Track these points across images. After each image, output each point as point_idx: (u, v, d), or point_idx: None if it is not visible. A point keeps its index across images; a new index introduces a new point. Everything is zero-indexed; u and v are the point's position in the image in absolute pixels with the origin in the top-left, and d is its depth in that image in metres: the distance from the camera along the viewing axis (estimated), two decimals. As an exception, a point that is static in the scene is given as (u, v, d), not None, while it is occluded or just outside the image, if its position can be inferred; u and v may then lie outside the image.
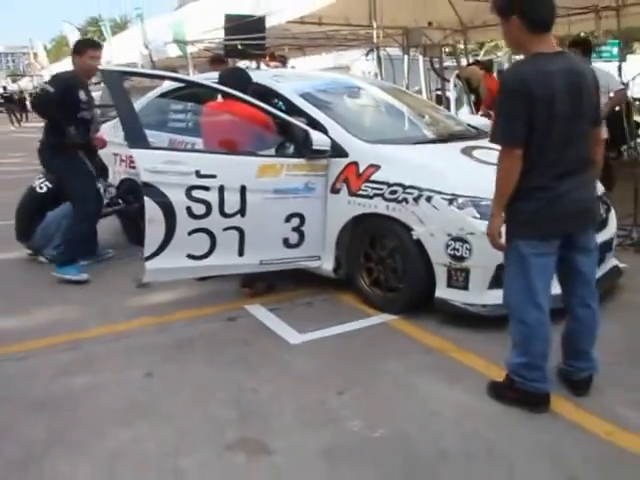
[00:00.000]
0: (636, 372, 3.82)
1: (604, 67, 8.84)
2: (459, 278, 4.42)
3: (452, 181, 4.45)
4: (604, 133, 3.55)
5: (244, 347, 4.33)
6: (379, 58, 10.75)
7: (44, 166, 6.19)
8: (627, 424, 3.24)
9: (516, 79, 3.12)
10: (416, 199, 4.50)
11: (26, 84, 58.20)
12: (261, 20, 9.81)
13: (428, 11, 11.63)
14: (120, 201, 6.87)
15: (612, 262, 5.23)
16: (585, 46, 7.38)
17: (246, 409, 3.53)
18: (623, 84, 7.66)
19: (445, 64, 11.78)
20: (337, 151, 4.94)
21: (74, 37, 35.96)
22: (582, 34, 14.50)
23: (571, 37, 14.29)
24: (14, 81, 72.32)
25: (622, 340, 4.29)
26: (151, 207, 4.52)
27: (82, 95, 5.76)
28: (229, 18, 9.80)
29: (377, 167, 4.76)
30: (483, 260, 4.27)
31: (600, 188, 5.05)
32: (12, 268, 6.35)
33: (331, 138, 4.95)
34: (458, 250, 4.36)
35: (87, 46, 5.81)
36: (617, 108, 9.21)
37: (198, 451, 3.15)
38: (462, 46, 14.45)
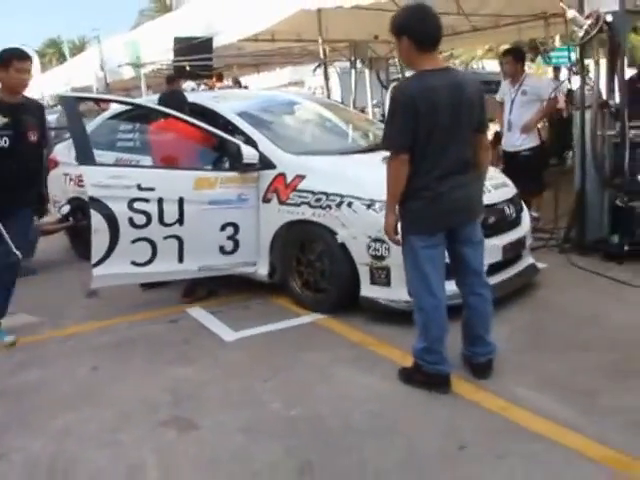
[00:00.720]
0: (537, 358, 4.31)
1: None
2: (381, 276, 4.96)
3: (370, 187, 4.98)
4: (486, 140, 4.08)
5: (183, 345, 4.85)
6: (326, 73, 11.31)
7: None
8: (521, 402, 3.71)
9: (404, 94, 3.69)
10: (338, 205, 5.05)
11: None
12: (208, 41, 10.40)
13: (375, 25, 12.22)
14: (70, 218, 7.37)
15: (528, 260, 5.80)
16: (516, 53, 8.10)
17: (179, 394, 4.04)
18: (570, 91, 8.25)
19: (394, 77, 12.31)
20: (266, 164, 5.48)
21: (33, 59, 36.41)
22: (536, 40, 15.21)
23: (518, 43, 15.03)
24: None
25: (528, 331, 4.82)
26: (97, 219, 5.05)
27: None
28: (178, 40, 10.38)
29: (303, 177, 5.30)
30: (401, 258, 4.81)
31: (511, 190, 5.67)
32: None
33: (260, 152, 5.49)
34: (378, 250, 4.90)
35: (13, 57, 4.85)
36: (565, 115, 9.89)
37: (135, 428, 3.65)
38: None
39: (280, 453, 3.34)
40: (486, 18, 12.15)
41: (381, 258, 4.90)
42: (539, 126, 8.07)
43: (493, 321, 4.13)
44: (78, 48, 57.30)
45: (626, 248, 6.18)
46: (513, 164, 7.82)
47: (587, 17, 6.06)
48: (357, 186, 5.04)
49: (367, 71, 11.73)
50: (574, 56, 6.75)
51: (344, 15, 11.13)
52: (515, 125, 7.74)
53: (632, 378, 3.94)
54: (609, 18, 5.96)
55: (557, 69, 15.34)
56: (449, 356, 3.95)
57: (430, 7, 3.77)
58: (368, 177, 5.15)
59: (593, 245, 6.53)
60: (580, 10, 6.24)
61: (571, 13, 6.16)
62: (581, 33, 6.10)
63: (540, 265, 6.07)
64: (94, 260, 5.10)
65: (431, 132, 3.60)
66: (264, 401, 3.92)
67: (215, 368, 4.43)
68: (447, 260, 4.00)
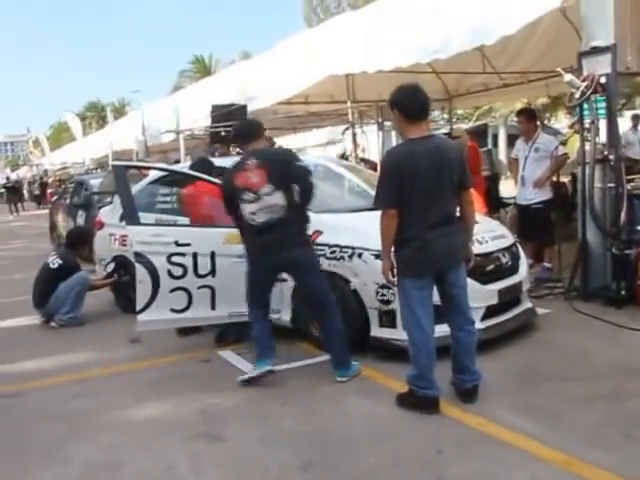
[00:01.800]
0: (520, 388, 5.17)
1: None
2: (388, 318, 5.89)
3: (378, 240, 5.91)
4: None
5: (214, 379, 5.84)
6: (354, 134, 12.40)
7: None
8: (498, 420, 4.58)
9: (391, 159, 4.73)
10: (350, 256, 6.02)
11: (24, 173, 61.01)
12: (243, 108, 11.61)
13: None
14: (114, 275, 8.50)
15: (527, 304, 6.68)
16: (528, 113, 9.17)
17: (208, 416, 5.03)
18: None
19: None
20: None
21: (76, 124, 38.57)
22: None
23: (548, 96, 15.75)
24: (13, 170, 75.37)
25: (519, 365, 5.68)
26: (141, 271, 6.13)
27: None
28: (215, 108, 11.64)
29: (321, 232, 6.26)
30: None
31: (508, 240, 6.58)
32: (28, 331, 8.17)
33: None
34: (385, 295, 5.83)
35: None
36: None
37: (171, 440, 4.65)
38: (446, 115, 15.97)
39: (288, 456, 4.28)
40: (515, 75, 13.15)
41: (388, 302, 5.83)
42: (554, 179, 8.86)
43: (490, 356, 5.01)
44: (118, 110, 59.89)
45: (623, 293, 6.99)
46: (526, 217, 8.78)
47: (583, 79, 7.00)
48: (366, 239, 5.97)
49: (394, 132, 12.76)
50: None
51: (373, 78, 12.28)
52: (528, 180, 8.68)
53: (599, 402, 4.79)
54: (603, 80, 6.90)
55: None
56: (440, 384, 4.84)
57: (418, 85, 4.81)
58: (376, 231, 6.09)
59: (596, 292, 7.35)
60: (579, 73, 7.16)
61: (568, 77, 7.13)
62: (577, 94, 7.03)
63: (544, 310, 7.01)
64: (139, 307, 6.17)
65: (414, 190, 4.58)
66: (280, 420, 4.88)
67: (239, 395, 5.41)
68: (437, 302, 4.93)
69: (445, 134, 12.33)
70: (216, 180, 6.57)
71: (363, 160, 13.23)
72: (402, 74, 11.76)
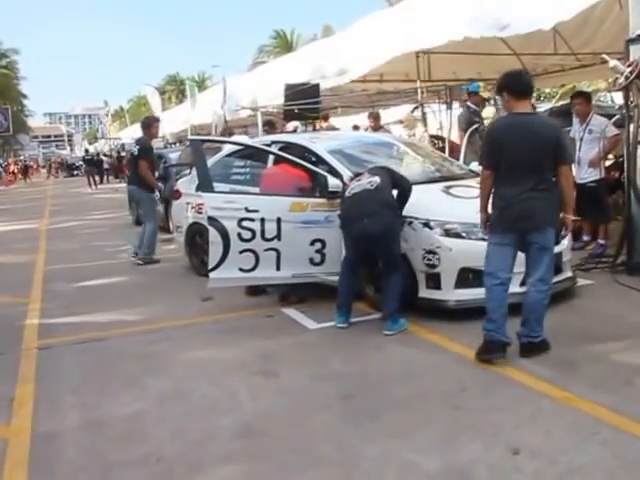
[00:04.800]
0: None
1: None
2: (433, 281, 6.76)
3: (426, 210, 6.82)
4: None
5: (276, 330, 6.85)
6: (423, 113, 13.19)
7: None
8: (522, 368, 5.42)
9: (492, 128, 5.85)
10: (401, 224, 6.89)
11: (102, 146, 63.44)
12: (316, 87, 12.55)
13: (478, 65, 13.82)
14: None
15: (567, 273, 7.46)
16: (585, 96, 10.06)
17: (268, 358, 6.05)
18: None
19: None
20: (349, 192, 7.40)
21: (155, 98, 40.09)
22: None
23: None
24: (90, 143, 78.30)
25: (551, 325, 6.25)
26: (213, 233, 7.17)
27: None
28: (288, 87, 12.59)
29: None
30: (448, 267, 6.61)
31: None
32: (113, 288, 9.35)
33: (344, 182, 7.41)
34: (431, 260, 6.71)
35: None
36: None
37: (233, 376, 5.68)
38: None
39: (332, 389, 5.26)
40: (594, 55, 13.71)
41: (433, 266, 6.71)
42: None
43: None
44: (198, 84, 61.52)
45: (662, 266, 7.69)
46: (581, 195, 9.47)
47: (628, 65, 7.69)
48: (417, 209, 6.84)
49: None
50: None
51: (449, 58, 12.97)
52: (583, 160, 9.40)
53: (614, 356, 5.60)
54: (648, 65, 7.58)
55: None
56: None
57: (522, 70, 5.78)
58: (426, 202, 6.97)
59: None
60: (626, 58, 7.85)
61: (612, 62, 7.85)
62: (621, 79, 7.73)
63: (588, 282, 7.76)
64: (210, 266, 7.21)
65: (507, 156, 5.46)
66: (329, 362, 5.87)
67: (298, 344, 6.41)
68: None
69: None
70: (287, 155, 7.54)
71: (433, 137, 13.97)
72: (480, 56, 12.60)
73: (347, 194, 6.76)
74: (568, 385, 5.00)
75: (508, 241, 5.59)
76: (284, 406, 5.04)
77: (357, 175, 6.96)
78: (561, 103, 24.26)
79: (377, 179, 6.60)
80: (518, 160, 5.45)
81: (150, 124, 11.48)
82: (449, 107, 12.80)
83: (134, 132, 40.79)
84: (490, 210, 5.71)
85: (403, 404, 4.93)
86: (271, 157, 8.54)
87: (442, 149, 12.65)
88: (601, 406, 4.63)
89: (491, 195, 5.68)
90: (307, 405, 5.03)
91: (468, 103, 12.04)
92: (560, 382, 5.07)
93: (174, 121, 30.77)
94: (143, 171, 10.90)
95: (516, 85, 5.64)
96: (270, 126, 11.95)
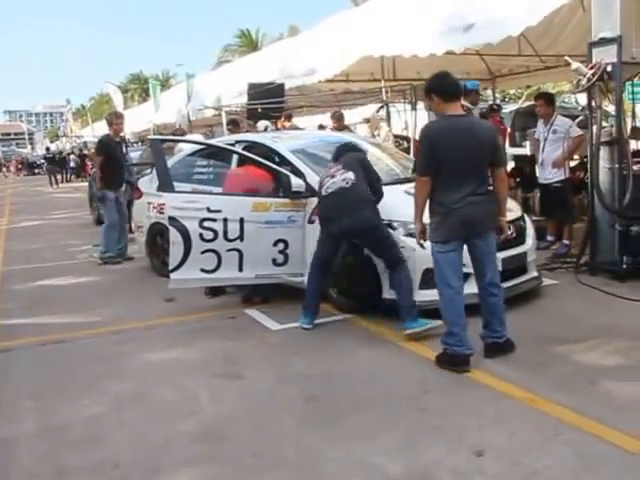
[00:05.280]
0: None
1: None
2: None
3: (390, 211, 6.79)
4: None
5: (238, 331, 6.80)
6: (388, 113, 13.21)
7: None
8: (486, 369, 5.43)
9: (427, 132, 5.62)
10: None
11: (64, 144, 62.81)
12: (281, 86, 12.51)
13: (445, 64, 13.87)
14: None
15: (532, 273, 7.51)
16: (547, 97, 10.02)
17: (231, 359, 6.01)
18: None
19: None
20: (312, 192, 7.32)
21: (117, 96, 39.76)
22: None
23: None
24: (52, 142, 77.45)
25: (516, 325, 6.32)
26: (174, 233, 7.08)
27: None
28: (251, 86, 12.54)
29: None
30: (412, 267, 6.58)
31: (515, 214, 7.37)
32: (75, 289, 9.28)
33: (307, 183, 7.39)
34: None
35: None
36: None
37: (195, 378, 5.62)
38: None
39: (296, 391, 5.23)
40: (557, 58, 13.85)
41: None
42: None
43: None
44: (162, 83, 61.13)
45: (624, 266, 7.77)
46: (546, 195, 9.59)
47: (591, 67, 7.75)
48: (380, 210, 6.80)
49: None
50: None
51: (414, 57, 13.00)
52: (547, 160, 9.47)
53: (577, 356, 5.64)
54: (609, 68, 7.64)
55: None
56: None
57: (448, 72, 5.70)
58: (390, 203, 6.94)
59: (603, 266, 8.12)
60: (588, 61, 7.91)
61: (575, 65, 7.91)
62: (584, 81, 7.79)
63: (552, 282, 7.83)
64: (171, 266, 7.12)
65: (445, 161, 5.36)
66: (293, 364, 5.83)
67: (260, 345, 6.38)
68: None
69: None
70: (250, 155, 7.50)
71: (398, 137, 14.00)
72: (445, 56, 12.64)
73: (323, 193, 6.72)
74: (532, 386, 5.02)
75: (452, 247, 5.52)
76: (246, 409, 5.00)
77: (330, 168, 6.91)
78: (527, 104, 24.57)
79: (351, 175, 6.58)
80: (458, 165, 5.39)
81: (112, 121, 11.42)
82: (414, 107, 12.79)
83: (96, 130, 40.52)
84: (427, 219, 5.61)
85: (367, 406, 4.91)
86: (235, 156, 8.49)
87: (407, 149, 12.70)
88: (564, 407, 4.65)
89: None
90: (270, 407, 4.99)
91: (464, 102, 12.03)
92: (524, 383, 5.08)
93: (137, 120, 30.51)
94: (96, 168, 10.89)
95: (444, 87, 5.57)
96: (234, 125, 11.92)
